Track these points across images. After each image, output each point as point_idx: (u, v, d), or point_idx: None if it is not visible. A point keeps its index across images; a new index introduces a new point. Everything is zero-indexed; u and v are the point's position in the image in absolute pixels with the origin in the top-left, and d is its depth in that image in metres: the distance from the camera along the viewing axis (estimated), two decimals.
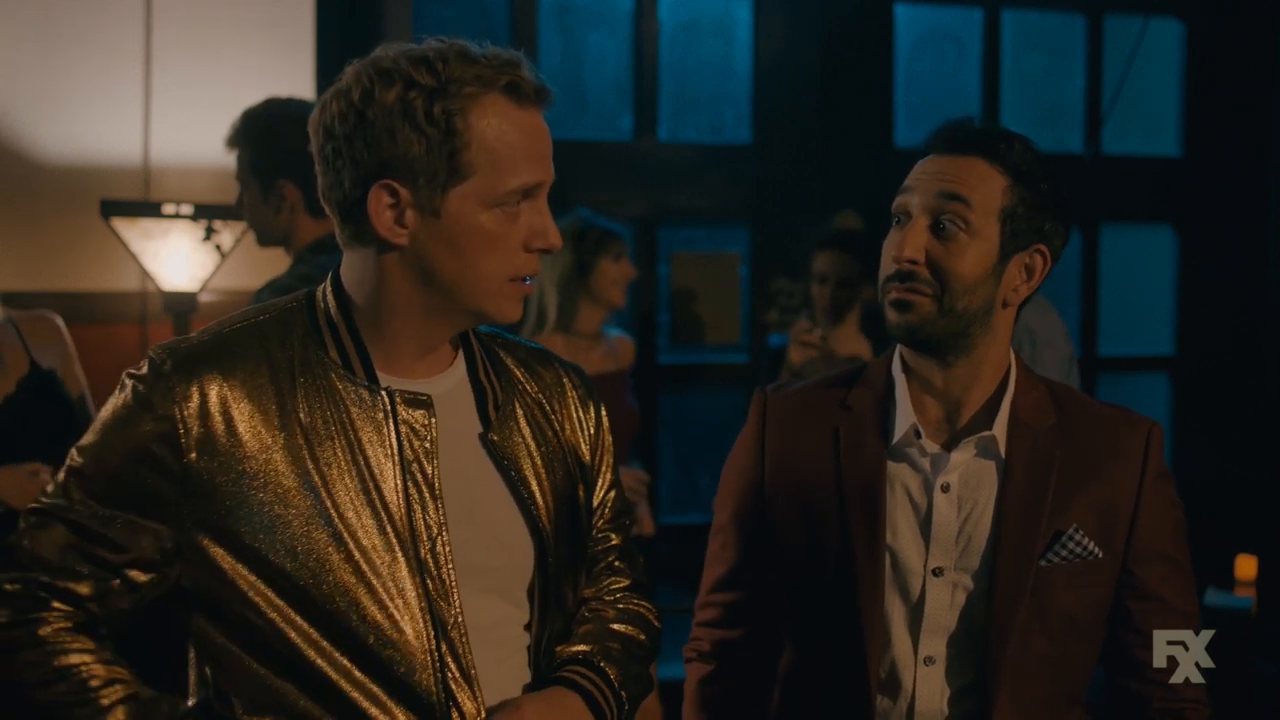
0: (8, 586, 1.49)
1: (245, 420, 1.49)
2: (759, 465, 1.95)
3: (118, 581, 1.50)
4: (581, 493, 1.69)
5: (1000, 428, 1.84)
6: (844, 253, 4.20)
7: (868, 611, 1.82)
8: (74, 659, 1.48)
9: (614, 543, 1.78)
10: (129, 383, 1.52)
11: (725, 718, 2.03)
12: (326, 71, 4.21)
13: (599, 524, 1.75)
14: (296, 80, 4.18)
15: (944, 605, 1.83)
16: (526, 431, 1.63)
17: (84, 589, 1.49)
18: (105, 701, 1.48)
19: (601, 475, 1.74)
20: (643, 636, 1.75)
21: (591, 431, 1.72)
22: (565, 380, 1.72)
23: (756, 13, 5.21)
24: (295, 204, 2.96)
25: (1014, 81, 5.53)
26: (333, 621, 1.49)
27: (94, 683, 1.48)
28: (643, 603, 1.79)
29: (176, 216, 3.86)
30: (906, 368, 1.89)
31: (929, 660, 1.83)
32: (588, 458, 1.71)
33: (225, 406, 1.49)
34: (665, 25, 5.17)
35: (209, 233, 3.87)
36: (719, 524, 2.03)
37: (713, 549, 2.03)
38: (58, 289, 4.04)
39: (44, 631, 1.48)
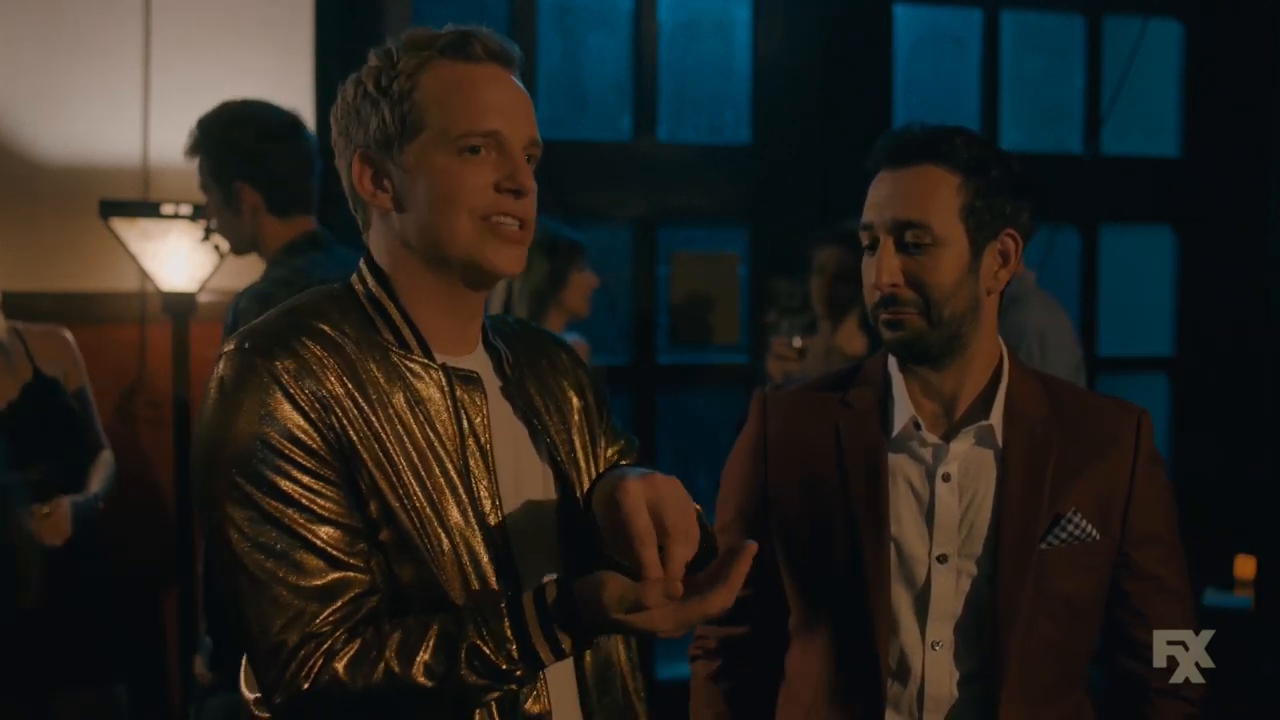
0: (291, 639, 1.46)
1: (345, 386, 1.52)
2: (761, 463, 1.98)
3: (354, 571, 1.50)
4: (590, 440, 1.75)
5: (997, 417, 1.89)
6: (840, 246, 4.21)
7: (875, 601, 1.87)
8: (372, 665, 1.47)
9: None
10: (226, 383, 1.50)
11: (732, 713, 2.06)
12: (326, 72, 4.21)
13: (607, 458, 1.79)
14: (296, 81, 4.18)
15: (949, 591, 1.87)
16: (535, 386, 1.71)
17: (343, 596, 1.48)
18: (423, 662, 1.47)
19: (602, 414, 1.80)
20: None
21: (581, 381, 1.78)
22: (548, 342, 1.81)
23: (756, 13, 5.21)
24: (256, 206, 2.92)
25: (1013, 82, 5.53)
26: (427, 596, 1.52)
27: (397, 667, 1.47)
28: None
29: (175, 217, 3.86)
30: (903, 364, 1.91)
31: (936, 645, 1.87)
32: (588, 404, 1.77)
33: (328, 370, 1.52)
34: (664, 25, 5.17)
35: (208, 233, 3.86)
36: (722, 523, 2.05)
37: None
38: (57, 289, 4.04)
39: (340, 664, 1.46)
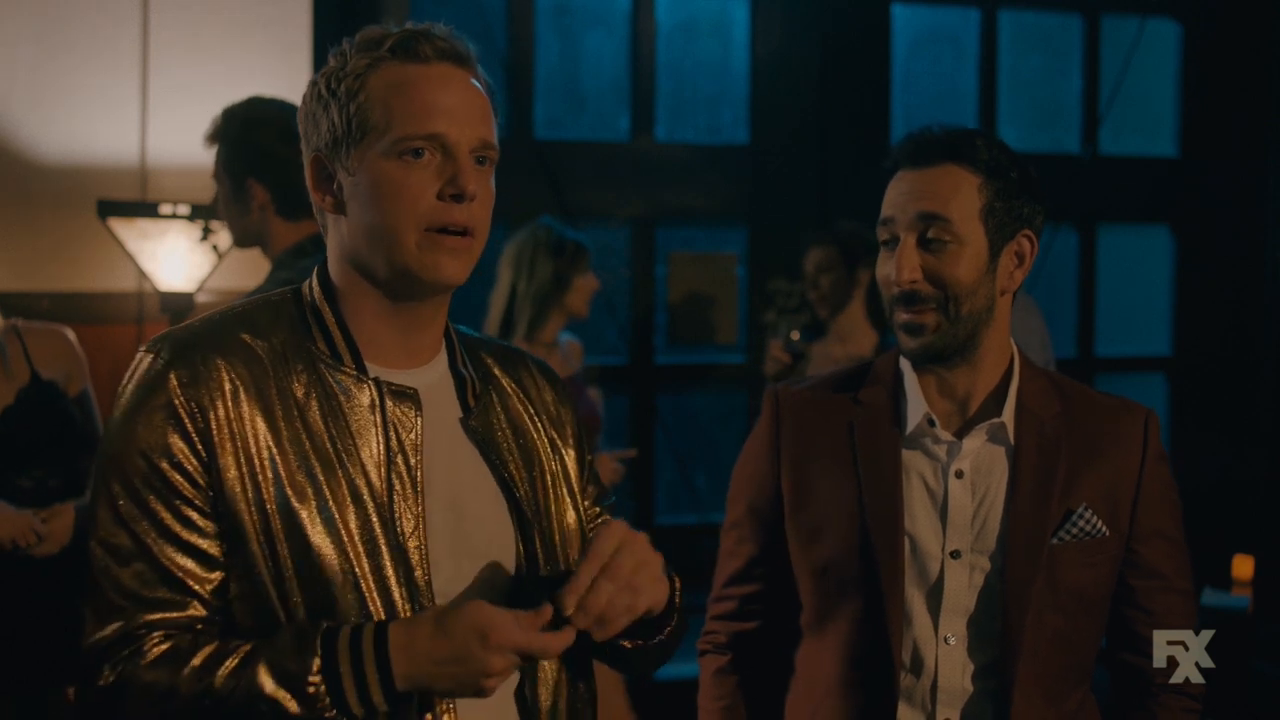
0: (107, 633, 1.46)
1: (248, 403, 1.49)
2: (774, 460, 2.00)
3: (196, 583, 1.48)
4: (563, 484, 1.69)
5: (1008, 415, 1.92)
6: (824, 246, 4.23)
7: (890, 596, 1.89)
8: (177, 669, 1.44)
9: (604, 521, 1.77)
10: (128, 386, 1.51)
11: (740, 708, 2.07)
12: None
13: (585, 510, 1.73)
14: (293, 80, 4.18)
15: (962, 586, 1.90)
16: (503, 419, 1.65)
17: (170, 610, 1.47)
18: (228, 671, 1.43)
19: (581, 464, 1.74)
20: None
21: (562, 420, 1.72)
22: (535, 374, 1.74)
23: (754, 13, 5.22)
24: (265, 205, 2.92)
25: (1011, 82, 5.54)
26: (319, 610, 1.47)
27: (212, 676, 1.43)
28: None
29: (173, 217, 3.86)
30: (916, 364, 1.93)
31: (949, 639, 1.91)
32: (564, 447, 1.71)
33: (228, 387, 1.49)
34: (662, 25, 5.18)
35: (206, 233, 3.87)
36: (732, 519, 2.07)
37: (726, 545, 2.08)
38: (54, 289, 4.04)
39: (145, 661, 1.44)
